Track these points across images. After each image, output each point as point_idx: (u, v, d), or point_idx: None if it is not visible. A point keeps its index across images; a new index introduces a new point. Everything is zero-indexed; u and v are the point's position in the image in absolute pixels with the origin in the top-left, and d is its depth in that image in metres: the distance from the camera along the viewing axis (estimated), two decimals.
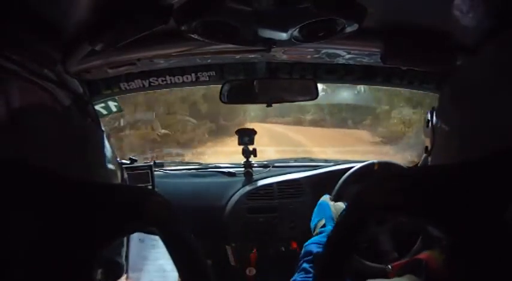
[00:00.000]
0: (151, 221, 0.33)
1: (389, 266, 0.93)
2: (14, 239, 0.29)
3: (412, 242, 1.15)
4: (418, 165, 1.36)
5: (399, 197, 0.32)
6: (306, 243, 0.81)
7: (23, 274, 0.30)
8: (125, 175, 1.13)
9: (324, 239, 0.76)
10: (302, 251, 0.79)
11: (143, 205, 0.33)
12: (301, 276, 0.72)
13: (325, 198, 0.98)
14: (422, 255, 0.41)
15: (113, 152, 0.48)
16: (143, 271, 0.82)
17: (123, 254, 0.47)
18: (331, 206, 0.92)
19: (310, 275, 0.71)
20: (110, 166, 0.46)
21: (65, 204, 0.31)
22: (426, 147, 0.47)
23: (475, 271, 0.30)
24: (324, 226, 0.86)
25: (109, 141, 0.51)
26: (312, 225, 0.91)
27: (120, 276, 0.47)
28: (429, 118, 0.46)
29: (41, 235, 0.30)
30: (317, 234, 0.85)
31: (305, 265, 0.74)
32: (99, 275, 0.42)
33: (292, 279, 0.72)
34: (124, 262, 0.47)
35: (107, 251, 0.42)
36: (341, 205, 0.92)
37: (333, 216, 0.88)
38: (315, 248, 0.76)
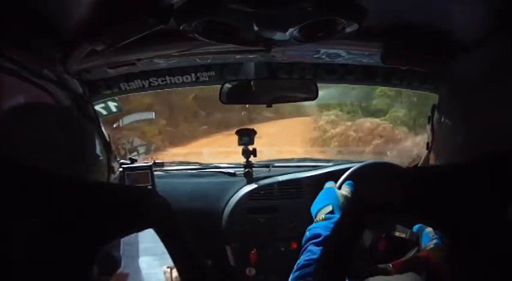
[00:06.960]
0: (149, 221, 0.33)
1: (390, 265, 0.93)
2: (8, 239, 0.29)
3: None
4: (419, 163, 1.35)
5: (399, 197, 0.32)
6: (310, 226, 0.78)
7: (19, 274, 0.29)
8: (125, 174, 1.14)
9: (331, 225, 0.75)
10: (306, 235, 0.76)
11: (141, 205, 0.33)
12: (307, 258, 0.69)
13: (332, 184, 0.95)
14: (423, 253, 0.41)
15: (112, 151, 0.48)
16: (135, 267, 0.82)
17: (120, 248, 0.48)
18: (338, 193, 0.89)
19: (316, 257, 0.68)
20: (109, 165, 0.47)
21: (61, 204, 0.31)
22: (427, 143, 0.47)
23: (474, 271, 0.30)
24: (331, 212, 0.83)
25: (110, 140, 0.51)
26: (315, 210, 0.88)
27: (116, 269, 0.47)
28: (430, 115, 0.46)
29: (35, 235, 0.30)
30: (322, 219, 0.82)
31: (311, 247, 0.72)
32: (96, 269, 0.42)
33: (297, 262, 0.69)
34: (121, 256, 0.48)
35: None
36: (345, 194, 0.90)
37: (340, 204, 0.86)
38: (323, 231, 0.73)
